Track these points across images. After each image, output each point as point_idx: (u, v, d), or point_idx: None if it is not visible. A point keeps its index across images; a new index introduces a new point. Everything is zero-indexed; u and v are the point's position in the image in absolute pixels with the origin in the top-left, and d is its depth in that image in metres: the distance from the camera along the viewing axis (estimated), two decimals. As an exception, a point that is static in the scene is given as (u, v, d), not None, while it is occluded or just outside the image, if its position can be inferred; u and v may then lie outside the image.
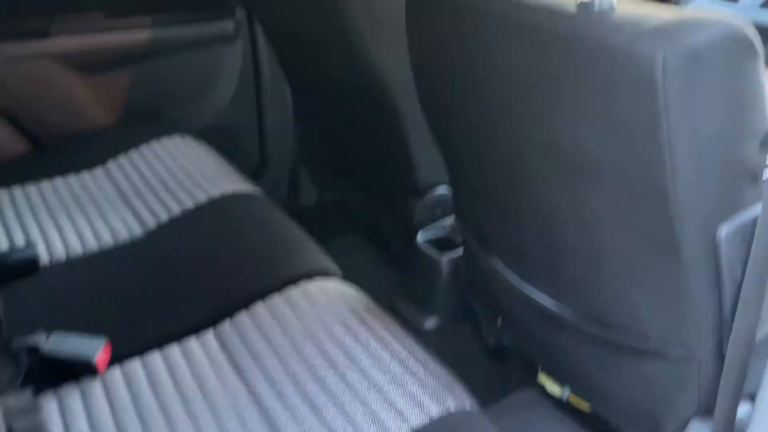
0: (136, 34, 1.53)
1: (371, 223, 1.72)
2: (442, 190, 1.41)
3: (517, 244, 1.01)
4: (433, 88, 1.01)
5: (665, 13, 0.66)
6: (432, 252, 1.36)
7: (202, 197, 1.25)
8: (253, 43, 1.68)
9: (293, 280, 1.01)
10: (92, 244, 1.15)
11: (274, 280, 1.01)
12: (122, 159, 1.40)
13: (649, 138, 0.66)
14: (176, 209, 1.23)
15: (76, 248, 1.14)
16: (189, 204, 1.23)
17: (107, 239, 1.16)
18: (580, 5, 0.71)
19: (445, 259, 1.34)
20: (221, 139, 1.66)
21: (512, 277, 1.06)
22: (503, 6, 0.78)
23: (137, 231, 1.18)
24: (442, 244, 1.39)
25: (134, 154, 1.41)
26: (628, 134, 0.68)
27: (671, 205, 0.69)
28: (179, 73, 1.62)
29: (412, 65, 1.01)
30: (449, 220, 1.42)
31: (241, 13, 1.64)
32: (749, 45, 0.64)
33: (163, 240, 1.15)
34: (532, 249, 0.97)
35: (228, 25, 1.63)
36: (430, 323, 1.37)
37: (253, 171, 1.82)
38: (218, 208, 1.22)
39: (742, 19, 0.65)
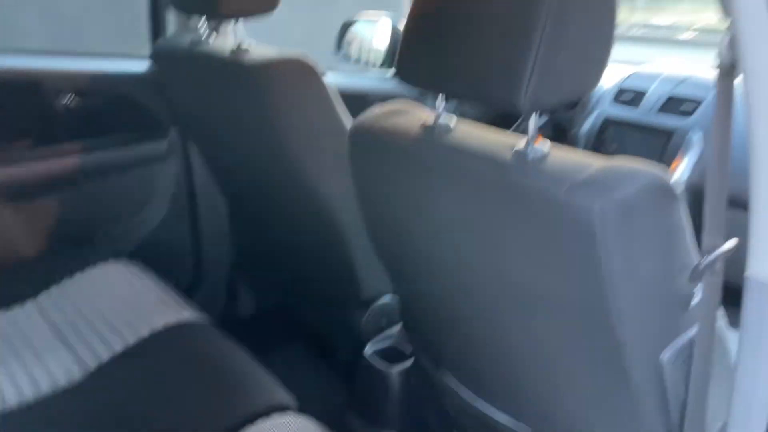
0: (65, 160, 1.51)
1: (315, 332, 1.72)
2: (387, 299, 1.43)
3: (470, 361, 1.04)
4: (378, 216, 1.04)
5: (593, 163, 0.72)
6: (381, 365, 1.36)
7: (144, 331, 1.21)
8: (187, 160, 1.69)
9: (250, 419, 0.99)
10: (28, 393, 1.09)
11: (230, 421, 0.98)
12: (55, 291, 1.35)
13: (592, 277, 0.71)
14: (117, 346, 1.18)
15: (11, 398, 1.08)
16: (131, 339, 1.20)
17: (44, 386, 1.11)
18: (516, 153, 0.77)
19: (395, 371, 1.34)
20: (156, 256, 1.63)
21: (466, 393, 1.08)
22: (440, 153, 0.84)
23: (76, 374, 1.13)
24: (391, 354, 1.40)
25: (68, 285, 1.36)
26: (572, 273, 0.73)
27: (617, 335, 0.74)
28: (111, 195, 1.60)
29: (356, 194, 1.05)
30: (396, 329, 1.43)
31: (174, 133, 1.65)
32: (670, 190, 0.71)
33: (106, 383, 1.10)
34: (486, 367, 1.00)
35: (161, 145, 1.64)
36: (384, 438, 1.36)
37: (188, 285, 1.79)
38: (162, 342, 1.19)
39: (661, 167, 0.73)
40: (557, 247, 0.73)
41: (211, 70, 1.29)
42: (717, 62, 0.68)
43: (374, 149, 0.94)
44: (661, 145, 1.68)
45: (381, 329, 1.44)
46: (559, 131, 1.96)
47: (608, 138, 1.80)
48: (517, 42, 0.69)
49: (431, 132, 0.86)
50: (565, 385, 0.85)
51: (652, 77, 1.80)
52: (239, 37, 1.23)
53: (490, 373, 0.99)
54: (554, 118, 1.96)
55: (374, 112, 0.96)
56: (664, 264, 0.73)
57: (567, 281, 0.74)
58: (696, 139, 1.63)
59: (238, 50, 1.21)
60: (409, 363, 1.33)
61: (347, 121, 1.25)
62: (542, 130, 1.96)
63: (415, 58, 0.83)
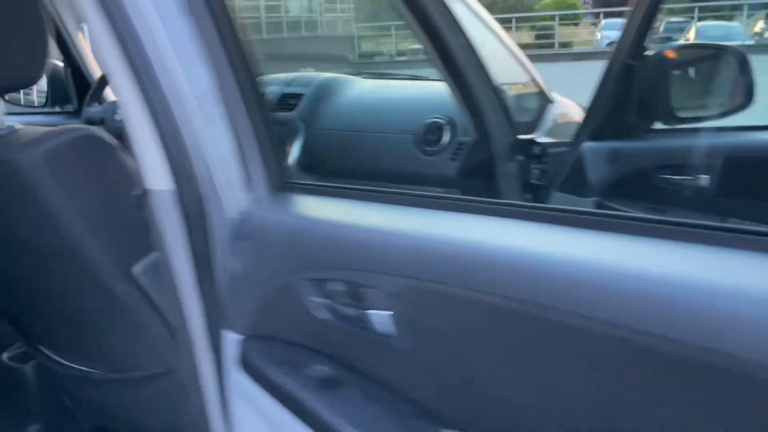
0: None
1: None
2: None
3: (39, 323, 1.18)
4: None
5: (43, 130, 0.92)
6: (11, 366, 1.44)
7: None
8: None
9: None
10: None
11: None
12: None
13: (51, 220, 0.90)
14: None
15: None
16: None
17: None
18: None
19: (28, 367, 1.43)
20: None
21: (50, 356, 1.20)
22: None
23: None
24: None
25: None
26: (37, 221, 0.92)
27: (87, 260, 0.93)
28: None
29: None
30: None
31: None
32: (102, 143, 0.93)
33: None
34: (45, 323, 1.15)
35: None
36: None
37: None
38: None
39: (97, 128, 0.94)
40: (20, 202, 0.91)
41: None
42: None
43: None
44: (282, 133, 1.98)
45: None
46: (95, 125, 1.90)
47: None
48: None
49: None
50: (81, 315, 1.03)
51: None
52: None
53: (50, 328, 1.14)
54: (87, 116, 1.95)
55: None
56: (111, 195, 0.93)
57: (37, 228, 0.93)
58: (300, 126, 1.95)
59: None
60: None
61: None
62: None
63: None
